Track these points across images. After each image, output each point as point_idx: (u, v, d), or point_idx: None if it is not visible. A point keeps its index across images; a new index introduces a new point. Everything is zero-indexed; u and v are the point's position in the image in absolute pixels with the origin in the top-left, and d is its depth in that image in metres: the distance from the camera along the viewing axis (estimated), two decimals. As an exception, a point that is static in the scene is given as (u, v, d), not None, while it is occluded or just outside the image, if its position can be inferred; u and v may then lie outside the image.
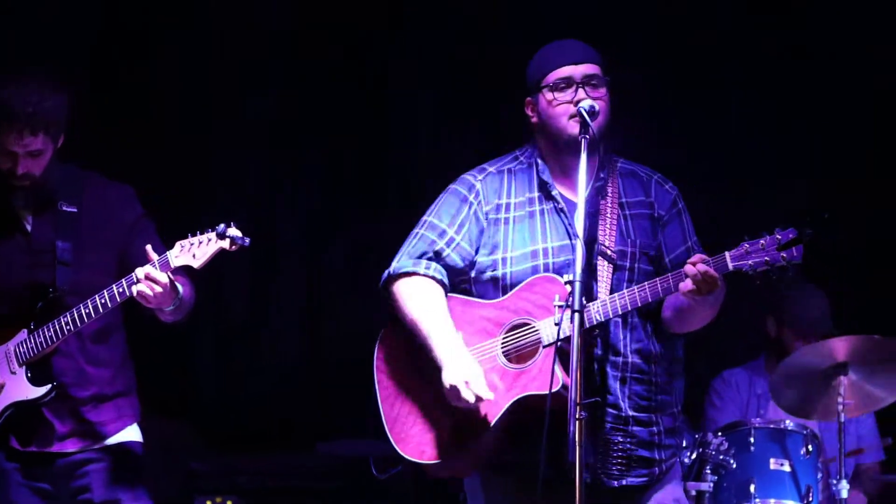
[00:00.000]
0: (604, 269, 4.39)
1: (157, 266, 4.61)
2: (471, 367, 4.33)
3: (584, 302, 4.17)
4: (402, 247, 4.60)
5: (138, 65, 7.06)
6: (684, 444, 5.73)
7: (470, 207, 4.55)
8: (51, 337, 4.78)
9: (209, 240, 4.55)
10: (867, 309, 6.89)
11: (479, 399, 4.29)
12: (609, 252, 4.40)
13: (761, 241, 4.08)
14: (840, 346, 5.98)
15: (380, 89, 7.48)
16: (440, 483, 6.35)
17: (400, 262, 4.56)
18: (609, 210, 4.46)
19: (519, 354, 4.39)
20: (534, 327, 4.36)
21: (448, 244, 4.53)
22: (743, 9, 7.21)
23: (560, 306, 4.18)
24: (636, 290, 4.26)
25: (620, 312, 4.29)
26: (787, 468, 6.04)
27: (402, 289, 4.53)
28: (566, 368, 4.16)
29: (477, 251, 4.53)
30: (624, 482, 4.42)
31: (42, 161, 4.81)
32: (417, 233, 4.59)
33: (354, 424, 7.03)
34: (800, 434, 6.08)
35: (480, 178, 4.59)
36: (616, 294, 4.30)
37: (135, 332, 5.06)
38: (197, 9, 7.21)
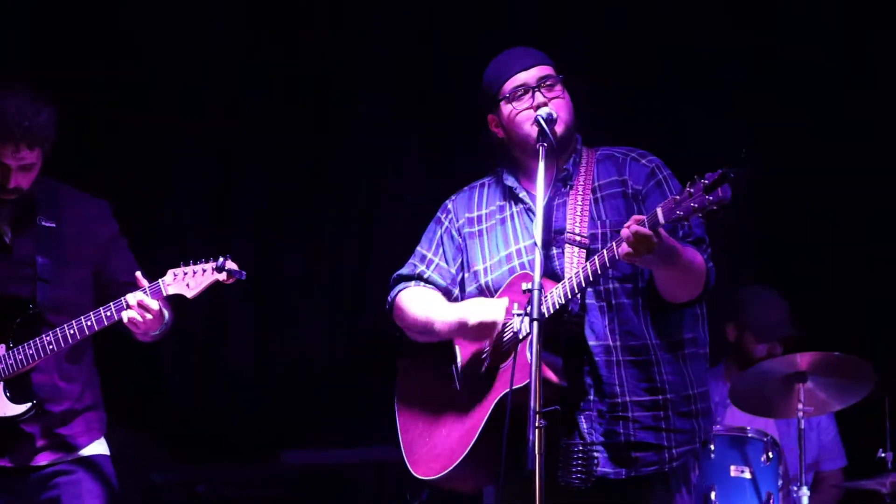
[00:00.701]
0: (574, 255, 4.39)
1: (149, 293, 4.63)
2: (482, 300, 4.42)
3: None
4: (393, 278, 4.75)
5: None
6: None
7: (443, 227, 4.68)
8: (31, 355, 4.78)
9: (205, 270, 4.61)
10: (826, 310, 6.93)
11: (500, 306, 4.34)
12: (578, 238, 4.40)
13: (688, 189, 3.98)
14: (803, 360, 6.09)
15: (326, 92, 7.47)
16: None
17: (391, 292, 4.70)
18: (579, 197, 4.46)
19: (500, 355, 4.43)
20: (510, 326, 4.40)
21: (428, 266, 4.66)
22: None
23: (518, 314, 4.20)
24: (587, 265, 4.24)
25: (577, 291, 4.26)
26: (747, 475, 6.07)
27: (402, 301, 4.65)
28: (548, 360, 4.16)
29: (459, 268, 4.63)
30: (632, 473, 4.35)
31: (32, 175, 4.83)
32: (407, 262, 4.73)
33: (318, 434, 7.04)
34: (760, 441, 6.12)
35: (453, 198, 4.73)
36: (572, 274, 4.29)
37: (95, 342, 5.04)
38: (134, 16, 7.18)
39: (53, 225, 4.93)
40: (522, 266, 4.46)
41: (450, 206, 4.71)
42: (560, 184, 4.50)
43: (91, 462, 4.94)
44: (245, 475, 7.15)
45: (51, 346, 4.76)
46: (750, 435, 6.14)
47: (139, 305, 4.63)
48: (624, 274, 4.38)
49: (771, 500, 6.03)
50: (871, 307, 7.02)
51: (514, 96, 4.47)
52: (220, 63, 7.37)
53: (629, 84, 7.25)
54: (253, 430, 7.13)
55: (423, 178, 7.36)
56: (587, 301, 4.37)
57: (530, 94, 4.46)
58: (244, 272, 4.61)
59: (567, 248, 4.40)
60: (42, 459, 4.88)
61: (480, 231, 4.61)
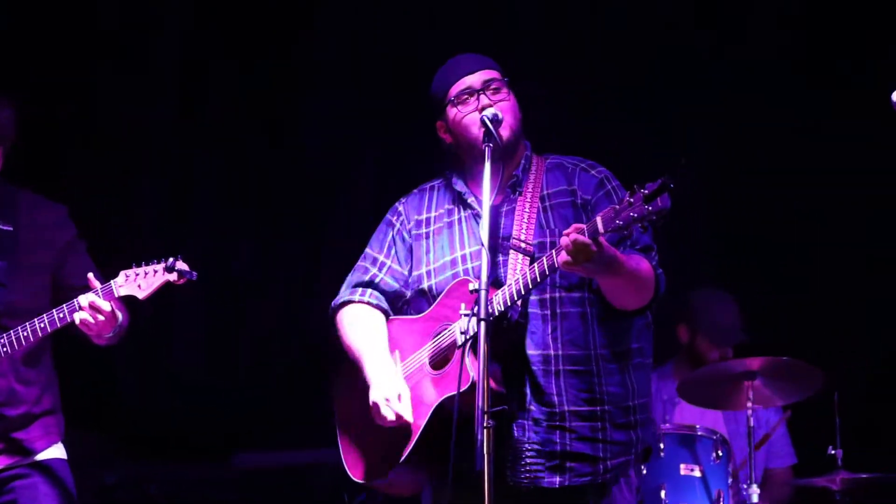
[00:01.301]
0: (518, 262, 4.39)
1: (101, 294, 4.62)
2: (391, 385, 4.41)
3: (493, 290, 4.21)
4: (345, 280, 4.75)
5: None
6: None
7: (394, 229, 4.69)
8: None
9: (156, 271, 4.62)
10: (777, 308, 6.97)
11: (398, 417, 4.35)
12: (524, 245, 4.40)
13: (628, 199, 3.99)
14: (754, 362, 6.16)
15: (281, 94, 7.45)
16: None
17: (340, 295, 4.72)
18: (527, 205, 4.48)
19: (441, 359, 4.43)
20: (451, 330, 4.40)
21: (380, 269, 4.67)
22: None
23: (465, 315, 4.22)
24: (527, 271, 4.25)
25: (517, 297, 4.26)
26: (697, 473, 6.10)
27: (341, 318, 4.69)
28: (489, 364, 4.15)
29: (410, 270, 4.63)
30: (566, 482, 4.36)
31: None
32: (356, 265, 4.74)
33: (270, 435, 7.03)
34: (710, 439, 6.14)
35: (404, 200, 4.74)
36: (512, 280, 4.30)
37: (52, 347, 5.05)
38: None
39: (10, 228, 4.93)
40: (466, 272, 4.47)
41: (400, 208, 4.72)
42: (509, 190, 4.51)
43: (48, 467, 4.93)
44: (197, 476, 7.12)
45: (4, 349, 4.76)
46: (699, 433, 6.17)
47: (91, 307, 4.63)
48: (570, 283, 4.38)
49: (721, 498, 6.05)
50: (821, 305, 7.05)
51: (460, 100, 4.50)
52: (176, 64, 7.35)
53: (616, 84, 7.26)
54: (204, 432, 7.11)
55: (377, 177, 7.35)
56: (529, 310, 4.38)
57: (475, 96, 4.48)
58: (195, 273, 4.62)
59: (512, 254, 4.41)
60: None
61: (427, 233, 4.63)
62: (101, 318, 4.65)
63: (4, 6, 6.86)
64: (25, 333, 4.74)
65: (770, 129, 7.16)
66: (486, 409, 3.99)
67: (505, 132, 4.43)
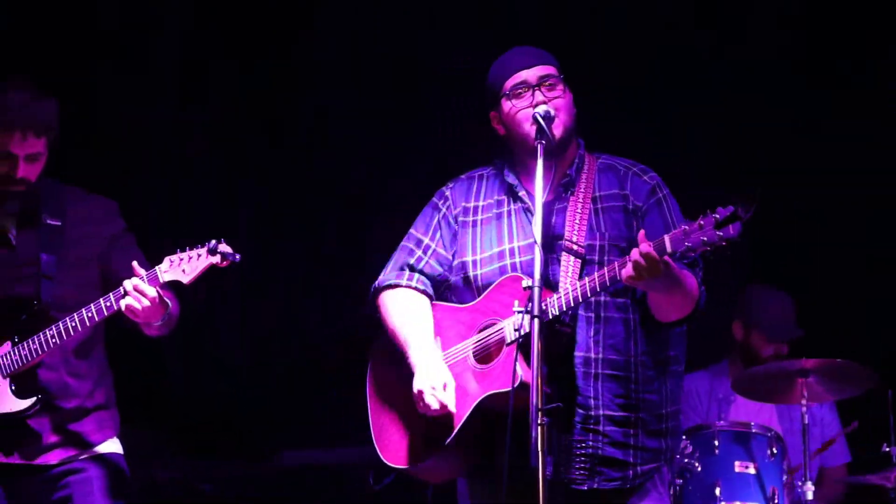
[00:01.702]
0: (569, 264, 4.39)
1: (146, 280, 4.61)
2: (438, 374, 4.39)
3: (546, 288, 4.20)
4: (389, 260, 4.72)
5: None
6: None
7: (440, 213, 4.66)
8: (35, 350, 4.77)
9: (199, 255, 4.58)
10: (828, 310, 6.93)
11: (443, 406, 4.33)
12: (576, 247, 4.40)
13: (699, 222, 4.01)
14: (809, 362, 6.13)
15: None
16: (405, 489, 6.36)
17: (384, 275, 4.69)
18: (579, 205, 4.47)
19: (486, 354, 4.42)
20: (499, 327, 4.39)
21: (425, 252, 4.65)
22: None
23: (519, 311, 4.19)
24: (586, 281, 4.25)
25: (573, 304, 4.27)
26: (752, 470, 6.09)
27: (385, 300, 4.66)
28: (530, 366, 4.14)
29: (454, 255, 4.61)
30: (594, 485, 4.37)
31: (38, 166, 4.85)
32: (400, 245, 4.71)
33: (320, 434, 7.03)
34: (764, 436, 6.13)
35: (451, 185, 4.72)
36: (569, 286, 4.29)
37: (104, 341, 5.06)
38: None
39: (59, 223, 4.94)
40: (514, 266, 4.46)
41: (447, 193, 4.70)
42: (561, 189, 4.50)
43: (104, 459, 4.92)
44: (244, 474, 7.14)
45: (53, 340, 4.75)
46: (754, 430, 6.16)
47: (135, 290, 4.60)
48: (616, 289, 4.37)
49: (776, 496, 6.03)
50: (872, 305, 7.01)
51: (514, 94, 4.49)
52: (176, 64, 7.36)
53: (616, 84, 7.22)
54: (253, 430, 7.13)
55: (422, 177, 7.32)
56: (577, 311, 4.38)
57: (530, 92, 4.46)
58: (238, 254, 4.58)
59: (563, 255, 4.40)
60: (53, 458, 4.86)
61: (475, 222, 4.61)
62: (146, 303, 4.61)
63: (4, 6, 6.87)
64: (74, 324, 4.73)
65: (770, 129, 7.14)
66: (540, 407, 3.98)
67: (558, 130, 4.42)
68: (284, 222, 7.46)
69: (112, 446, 4.98)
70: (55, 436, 4.87)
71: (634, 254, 4.06)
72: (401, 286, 4.65)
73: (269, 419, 7.16)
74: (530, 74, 4.48)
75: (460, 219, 4.63)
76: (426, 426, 4.44)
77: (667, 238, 4.06)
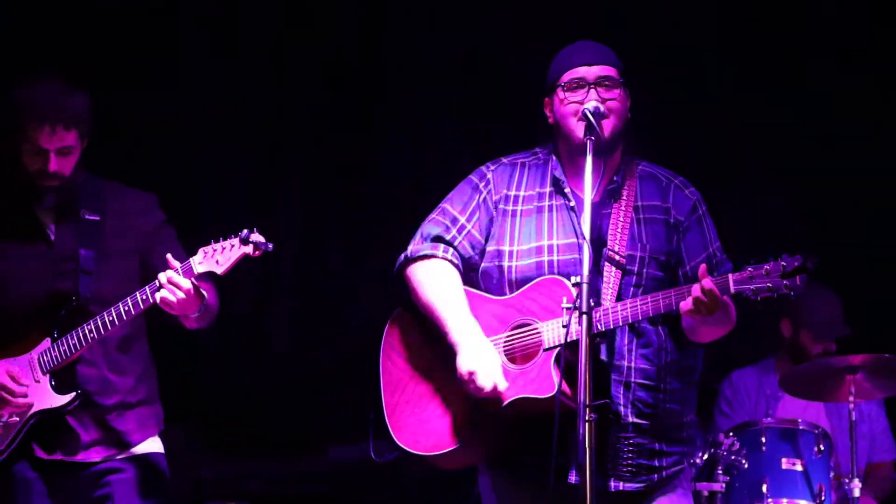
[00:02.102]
0: (611, 274, 4.37)
1: (180, 272, 4.62)
2: (489, 354, 4.32)
3: (592, 304, 4.14)
4: (418, 231, 4.61)
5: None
6: (695, 451, 5.71)
7: (480, 195, 4.57)
8: (74, 345, 4.78)
9: (232, 245, 4.56)
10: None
11: (494, 388, 4.28)
12: (617, 257, 4.38)
13: (766, 267, 4.05)
14: (856, 358, 6.09)
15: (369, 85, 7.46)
16: (452, 484, 6.35)
17: (416, 245, 4.57)
18: (622, 213, 4.44)
19: (519, 355, 4.38)
20: (536, 329, 4.35)
21: (459, 231, 4.55)
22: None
23: (567, 308, 4.14)
24: (638, 304, 4.24)
25: (621, 324, 4.27)
26: (798, 468, 6.08)
27: (418, 272, 4.53)
28: (565, 373, 4.15)
29: (486, 240, 4.54)
30: (620, 487, 4.37)
31: (72, 160, 4.84)
32: (432, 217, 4.60)
33: (366, 428, 7.03)
34: (811, 433, 6.11)
35: (493, 168, 4.62)
36: (619, 304, 4.28)
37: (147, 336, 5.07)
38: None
39: (98, 218, 4.93)
40: (551, 264, 4.41)
41: (489, 175, 4.60)
42: (607, 194, 4.47)
43: (144, 460, 4.93)
44: (292, 470, 7.16)
45: (92, 335, 4.75)
46: (801, 427, 6.15)
47: (169, 283, 4.60)
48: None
49: (823, 492, 6.02)
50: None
51: (569, 87, 4.44)
52: (259, 55, 7.38)
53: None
54: (299, 426, 7.14)
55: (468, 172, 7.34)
56: None
57: (585, 89, 4.42)
58: (270, 244, 4.55)
59: (605, 265, 4.38)
60: (94, 455, 4.87)
61: (514, 212, 4.53)
62: (181, 295, 4.60)
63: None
64: (111, 318, 4.72)
65: (770, 129, 7.09)
66: (588, 403, 3.95)
67: (606, 131, 4.38)
68: (330, 214, 7.48)
69: (153, 445, 4.99)
70: (96, 433, 4.87)
71: (696, 290, 4.09)
72: (437, 257, 4.53)
73: (314, 414, 7.17)
74: (590, 72, 4.44)
75: (500, 206, 4.54)
76: (452, 415, 4.38)
77: (731, 278, 4.10)
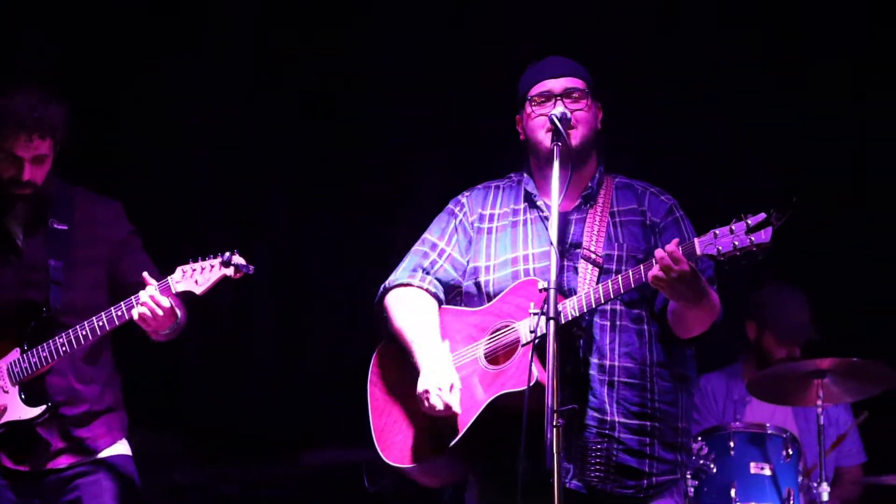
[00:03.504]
0: (587, 272, 4.41)
1: (158, 290, 4.63)
2: (445, 374, 4.39)
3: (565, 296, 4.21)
4: (401, 262, 4.70)
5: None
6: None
7: (456, 219, 4.66)
8: (45, 357, 4.80)
9: (212, 266, 4.59)
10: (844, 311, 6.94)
11: (447, 407, 4.34)
12: (594, 256, 4.42)
13: (731, 227, 4.06)
14: (824, 362, 6.10)
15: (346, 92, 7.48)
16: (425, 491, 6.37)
17: (396, 275, 4.67)
18: (598, 217, 4.49)
19: (499, 355, 4.43)
20: (513, 328, 4.40)
21: (439, 255, 4.63)
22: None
23: (535, 313, 4.18)
24: (609, 282, 4.26)
25: (594, 305, 4.28)
26: (767, 472, 6.08)
27: (393, 299, 4.63)
28: (545, 367, 4.15)
29: (468, 261, 4.61)
30: (608, 489, 4.36)
31: (45, 168, 4.86)
32: (413, 249, 4.70)
33: (339, 433, 7.04)
34: (780, 437, 6.12)
35: (468, 194, 4.72)
36: (590, 288, 4.31)
37: (117, 344, 5.06)
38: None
39: (66, 227, 4.94)
40: (527, 272, 4.46)
41: (463, 200, 4.70)
42: (581, 200, 4.52)
43: (112, 464, 4.94)
44: (264, 475, 7.15)
45: (64, 348, 4.77)
46: (769, 431, 6.15)
47: (151, 301, 4.63)
48: (632, 298, 4.40)
49: (791, 497, 6.03)
50: (887, 303, 7.01)
51: (537, 101, 4.49)
52: (237, 65, 7.40)
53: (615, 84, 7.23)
54: (273, 430, 7.15)
55: (447, 181, 7.35)
56: (593, 318, 4.39)
57: (552, 101, 4.47)
58: (251, 266, 4.59)
59: (581, 263, 4.42)
60: (61, 463, 4.89)
61: (489, 229, 4.61)
62: (159, 312, 4.64)
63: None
64: (84, 332, 4.75)
65: (770, 128, 7.14)
66: (556, 408, 3.99)
67: (575, 140, 4.43)
68: (311, 227, 7.50)
69: (120, 448, 5.00)
70: (64, 442, 4.89)
71: (659, 252, 4.09)
72: (412, 286, 4.63)
73: (289, 420, 7.18)
74: (556, 84, 4.49)
75: (476, 225, 4.63)
76: (432, 427, 4.43)
77: (696, 241, 4.11)
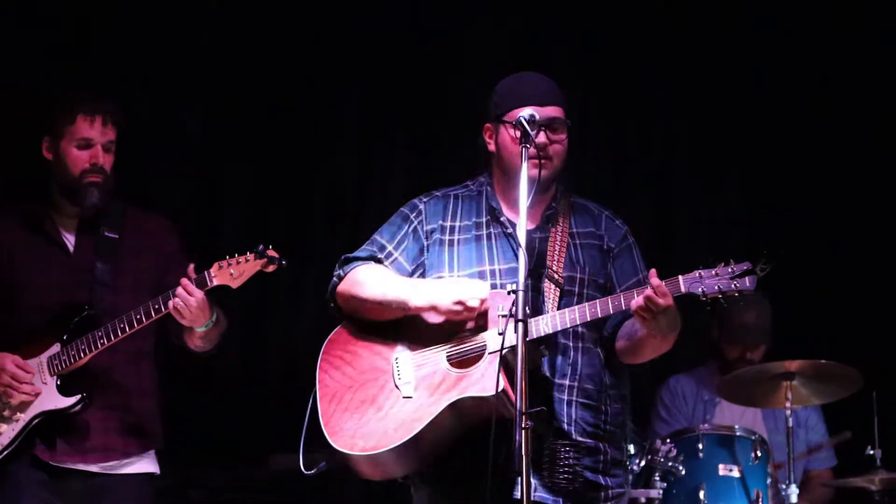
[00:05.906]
0: (551, 292, 4.42)
1: (194, 282, 4.72)
2: (460, 281, 4.40)
3: (529, 315, 4.17)
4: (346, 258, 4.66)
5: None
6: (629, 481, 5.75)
7: (410, 225, 4.61)
8: (83, 349, 4.88)
9: (247, 260, 4.67)
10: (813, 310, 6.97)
11: (482, 302, 4.31)
12: (557, 276, 4.43)
13: (715, 270, 4.16)
14: (792, 364, 6.16)
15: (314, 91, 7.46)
16: (391, 495, 6.35)
17: (349, 263, 4.60)
18: (559, 238, 4.50)
19: (462, 360, 4.40)
20: (479, 335, 4.38)
21: (387, 258, 4.59)
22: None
23: (504, 316, 4.18)
24: (587, 306, 4.28)
25: (569, 325, 4.30)
26: (736, 474, 6.11)
27: (360, 274, 4.55)
28: (510, 378, 4.15)
29: (414, 270, 4.57)
30: (569, 502, 4.38)
31: (111, 157, 5.04)
32: (362, 248, 4.64)
33: (308, 437, 7.01)
34: (748, 439, 6.15)
35: (425, 199, 4.66)
36: (566, 308, 4.32)
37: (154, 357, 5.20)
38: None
39: (116, 236, 5.08)
40: (494, 287, 4.43)
41: (421, 206, 4.64)
42: (545, 220, 4.53)
43: (138, 479, 5.08)
44: (234, 479, 7.13)
45: (101, 340, 4.86)
46: (738, 434, 6.18)
47: (183, 287, 4.72)
48: (595, 323, 4.41)
49: (760, 499, 6.05)
50: (856, 306, 7.04)
51: (519, 125, 4.39)
52: (207, 62, 7.37)
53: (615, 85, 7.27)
54: (241, 435, 7.12)
55: (412, 183, 7.35)
56: (558, 338, 4.40)
57: (535, 130, 4.38)
58: (284, 260, 4.68)
59: (546, 283, 4.43)
60: (93, 462, 4.98)
61: (452, 241, 4.57)
62: (192, 303, 4.73)
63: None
64: (122, 325, 4.83)
65: (770, 128, 7.16)
66: (524, 410, 3.97)
67: (547, 171, 4.42)
68: (274, 228, 7.48)
69: (148, 465, 5.12)
70: (97, 441, 4.98)
71: (648, 289, 4.15)
72: (372, 262, 4.58)
73: (256, 423, 7.15)
74: (542, 112, 4.41)
75: (435, 236, 4.58)
76: (385, 419, 4.38)
77: (681, 279, 4.18)
